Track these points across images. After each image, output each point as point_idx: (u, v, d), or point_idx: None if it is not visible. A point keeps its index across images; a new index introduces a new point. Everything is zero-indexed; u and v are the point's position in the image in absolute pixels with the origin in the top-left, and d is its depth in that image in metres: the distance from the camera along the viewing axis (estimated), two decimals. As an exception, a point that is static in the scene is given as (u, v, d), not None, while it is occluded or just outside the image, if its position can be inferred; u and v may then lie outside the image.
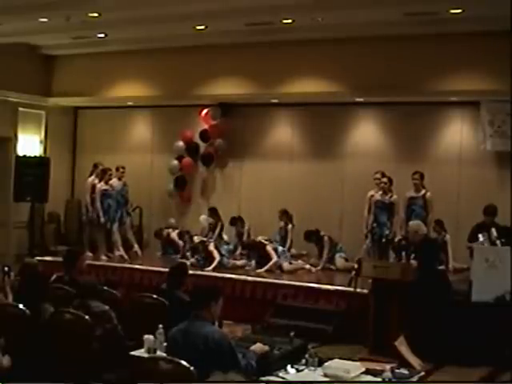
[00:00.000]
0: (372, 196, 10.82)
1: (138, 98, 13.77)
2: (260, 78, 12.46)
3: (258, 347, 5.00)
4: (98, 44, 13.00)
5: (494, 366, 7.49)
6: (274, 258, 10.88)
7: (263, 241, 11.27)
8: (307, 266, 11.21)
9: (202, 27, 11.58)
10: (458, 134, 11.92)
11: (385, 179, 10.71)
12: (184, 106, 13.75)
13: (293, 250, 11.78)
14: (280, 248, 11.24)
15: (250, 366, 4.69)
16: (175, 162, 13.78)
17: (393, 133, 12.37)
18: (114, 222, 11.87)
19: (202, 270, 10.56)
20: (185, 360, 4.33)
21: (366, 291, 8.33)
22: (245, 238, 12.13)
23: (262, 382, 4.75)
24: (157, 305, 6.35)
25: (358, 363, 5.19)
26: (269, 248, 11.06)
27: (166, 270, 7.39)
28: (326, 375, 4.87)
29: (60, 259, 7.70)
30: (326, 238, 11.25)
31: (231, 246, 12.05)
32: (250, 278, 10.11)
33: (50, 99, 14.31)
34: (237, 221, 12.37)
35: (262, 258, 10.96)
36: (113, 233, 11.92)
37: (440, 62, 10.99)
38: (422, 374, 5.72)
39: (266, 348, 5.05)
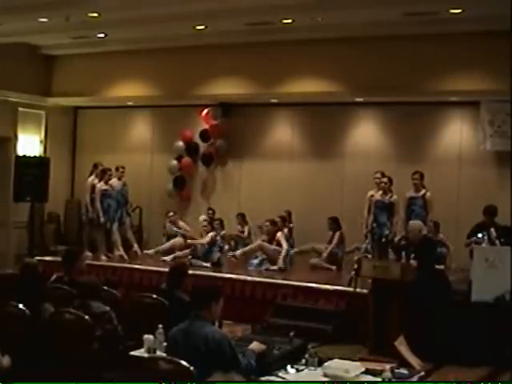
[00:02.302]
0: (372, 196, 10.81)
1: (138, 97, 13.78)
2: (260, 77, 12.47)
3: (255, 346, 4.99)
4: (98, 44, 13.02)
5: (494, 365, 7.49)
6: (285, 247, 10.86)
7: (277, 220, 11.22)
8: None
9: (202, 27, 11.59)
10: (457, 134, 11.93)
11: (385, 179, 10.70)
12: (184, 106, 13.77)
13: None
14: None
15: (249, 365, 4.69)
16: (174, 162, 13.80)
17: (393, 133, 12.38)
18: (113, 222, 11.86)
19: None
20: (185, 360, 4.33)
21: (365, 291, 8.32)
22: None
23: (262, 382, 4.75)
24: (157, 305, 6.35)
25: (357, 363, 5.18)
26: (280, 235, 11.03)
27: (166, 270, 7.39)
28: (325, 375, 4.87)
29: (60, 259, 7.69)
30: (338, 234, 11.34)
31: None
32: (249, 278, 10.11)
33: (50, 99, 14.32)
34: (238, 218, 12.39)
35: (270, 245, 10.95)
36: (112, 233, 11.90)
37: (440, 62, 10.99)
38: (422, 374, 5.72)
39: (263, 346, 5.04)
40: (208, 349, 4.53)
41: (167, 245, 12.13)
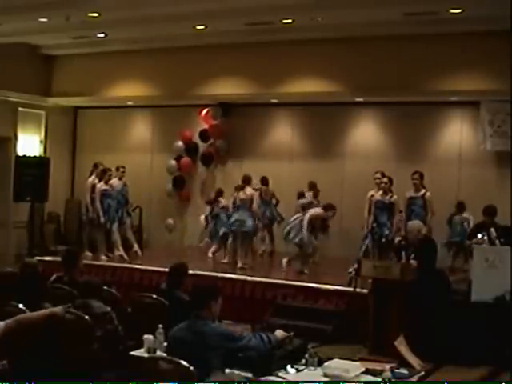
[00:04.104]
0: (372, 196, 10.79)
1: (138, 97, 13.78)
2: (260, 78, 12.48)
3: (279, 333, 5.05)
4: (98, 44, 13.03)
5: (494, 365, 7.48)
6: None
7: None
8: None
9: (202, 27, 11.60)
10: (457, 134, 11.94)
11: (385, 179, 10.68)
12: (184, 106, 13.78)
13: None
14: None
15: (265, 336, 4.75)
16: (173, 162, 13.81)
17: (393, 133, 12.39)
18: (113, 222, 11.83)
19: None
20: (187, 359, 4.33)
21: (365, 291, 8.32)
22: None
23: (262, 382, 4.75)
24: (157, 305, 6.35)
25: (357, 363, 5.17)
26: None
27: (166, 269, 7.38)
28: (325, 375, 4.86)
29: (60, 259, 7.68)
30: None
31: None
32: (249, 278, 10.10)
33: (50, 99, 14.33)
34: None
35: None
36: (112, 232, 11.88)
37: (440, 62, 11.00)
38: (422, 374, 5.72)
39: (287, 334, 5.10)
40: (218, 344, 4.56)
41: None
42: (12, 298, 5.84)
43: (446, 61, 10.98)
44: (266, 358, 4.78)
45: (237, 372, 4.68)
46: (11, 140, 13.78)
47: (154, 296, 6.46)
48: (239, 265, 10.90)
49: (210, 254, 11.88)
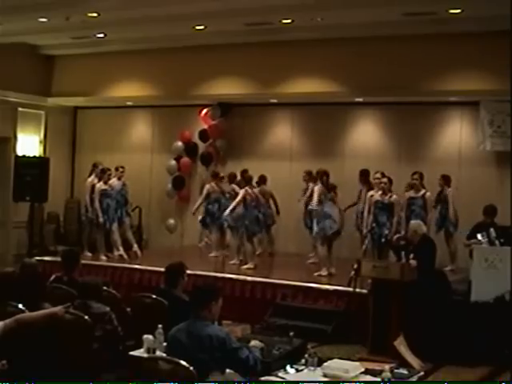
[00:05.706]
0: (372, 196, 10.80)
1: (138, 97, 13.78)
2: (260, 77, 12.48)
3: (255, 345, 5.02)
4: (98, 44, 13.03)
5: (494, 365, 7.49)
6: None
7: None
8: None
9: (202, 27, 11.60)
10: (457, 134, 11.94)
11: (385, 179, 10.67)
12: (184, 106, 13.77)
13: None
14: None
15: (258, 360, 4.70)
16: (173, 162, 13.81)
17: (393, 133, 12.38)
18: (113, 222, 11.82)
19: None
20: (187, 360, 4.32)
21: (365, 291, 8.32)
22: None
23: (262, 382, 4.75)
24: (156, 305, 6.35)
25: (357, 363, 5.17)
26: None
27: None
28: (325, 375, 4.86)
29: (60, 259, 7.67)
30: None
31: None
32: (249, 278, 10.10)
33: (50, 99, 14.33)
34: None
35: None
36: (112, 232, 11.86)
37: (440, 61, 11.01)
38: (422, 374, 5.70)
39: (262, 345, 5.07)
40: (213, 348, 4.54)
41: None
42: (12, 297, 5.84)
43: (446, 61, 10.97)
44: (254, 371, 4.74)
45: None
46: (11, 140, 13.78)
47: (154, 296, 6.46)
48: (252, 265, 10.89)
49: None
